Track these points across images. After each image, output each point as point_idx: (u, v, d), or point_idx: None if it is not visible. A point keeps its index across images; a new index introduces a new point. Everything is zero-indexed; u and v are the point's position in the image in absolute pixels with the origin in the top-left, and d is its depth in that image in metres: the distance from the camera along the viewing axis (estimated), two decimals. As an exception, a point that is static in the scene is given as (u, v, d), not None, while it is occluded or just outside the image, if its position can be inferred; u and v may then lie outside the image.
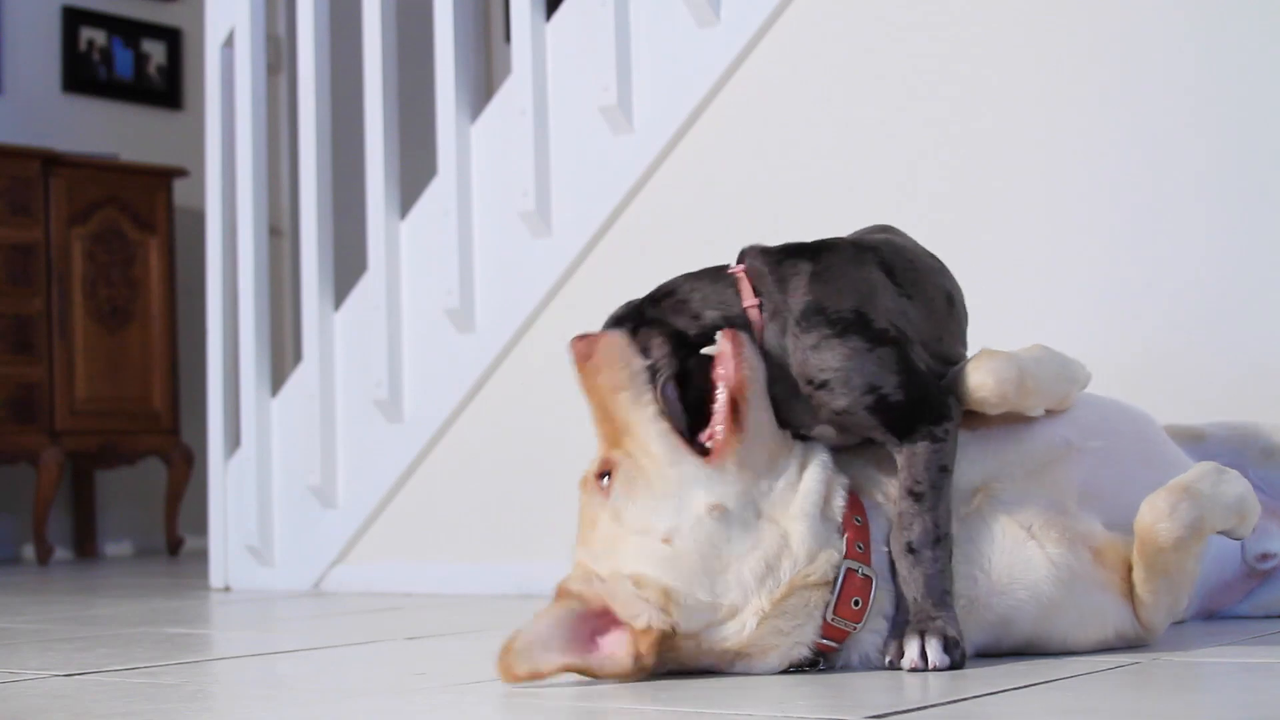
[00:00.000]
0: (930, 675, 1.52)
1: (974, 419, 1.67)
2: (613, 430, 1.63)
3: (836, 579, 1.56)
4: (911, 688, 1.45)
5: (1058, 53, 2.46)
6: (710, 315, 1.62)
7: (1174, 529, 1.61)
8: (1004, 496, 1.65)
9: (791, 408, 1.62)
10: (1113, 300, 2.40)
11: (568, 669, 1.55)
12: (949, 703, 1.37)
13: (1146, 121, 2.38)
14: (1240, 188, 2.30)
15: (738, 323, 1.61)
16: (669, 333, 1.62)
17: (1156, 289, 2.36)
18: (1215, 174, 2.32)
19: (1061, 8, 2.47)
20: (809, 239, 1.73)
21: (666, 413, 1.60)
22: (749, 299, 1.63)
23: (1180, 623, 1.87)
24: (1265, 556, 1.98)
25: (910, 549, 1.56)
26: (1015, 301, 2.48)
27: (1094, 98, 2.43)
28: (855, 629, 1.58)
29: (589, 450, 2.98)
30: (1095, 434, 1.73)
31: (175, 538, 5.83)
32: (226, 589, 3.53)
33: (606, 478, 1.62)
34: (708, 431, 1.60)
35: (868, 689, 1.46)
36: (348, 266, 3.64)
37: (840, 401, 1.58)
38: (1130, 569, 1.66)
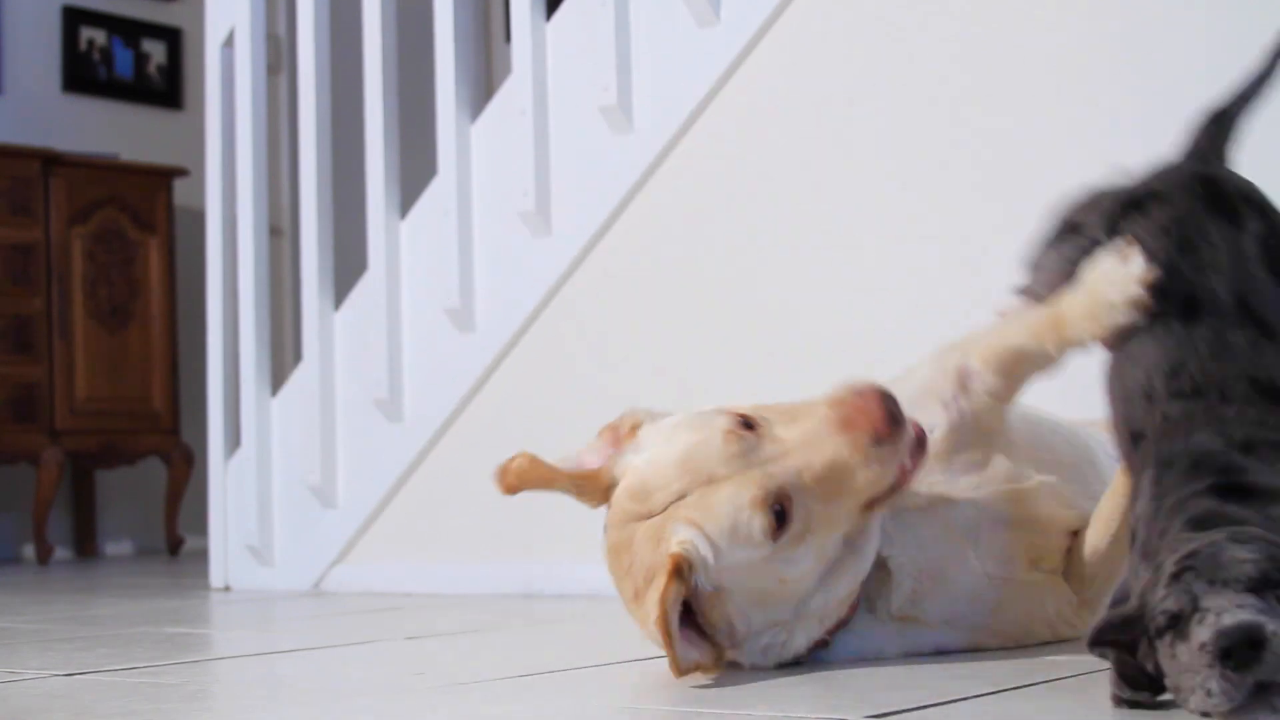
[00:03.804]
0: (929, 674, 1.53)
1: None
2: None
3: None
4: (912, 687, 1.45)
5: (1059, 52, 2.46)
6: None
7: None
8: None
9: None
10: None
11: None
12: (949, 702, 1.37)
13: (1152, 119, 2.37)
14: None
15: None
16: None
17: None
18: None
19: (1064, 6, 2.46)
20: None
21: None
22: None
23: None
24: None
25: None
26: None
27: (1102, 96, 2.42)
28: None
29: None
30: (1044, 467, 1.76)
31: (175, 538, 5.83)
32: (226, 589, 3.53)
33: None
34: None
35: (868, 688, 1.46)
36: (348, 266, 3.63)
37: None
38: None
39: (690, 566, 1.50)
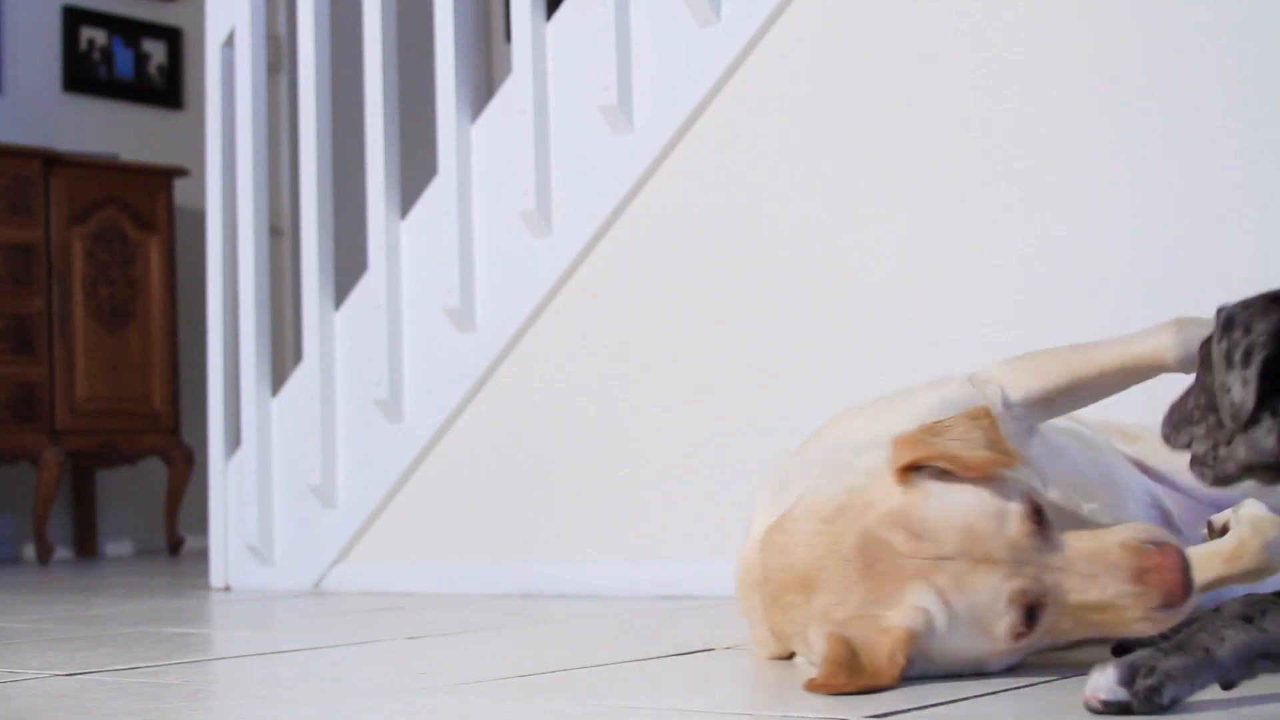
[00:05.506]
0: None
1: None
2: None
3: None
4: (912, 687, 1.45)
5: (1067, 49, 2.46)
6: None
7: None
8: None
9: None
10: (1150, 297, 2.39)
11: None
12: (949, 702, 1.36)
13: (1162, 116, 2.37)
14: (1274, 181, 2.27)
15: None
16: None
17: (1187, 286, 2.35)
18: (1245, 166, 2.31)
19: (1069, 2, 2.46)
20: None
21: None
22: None
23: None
24: None
25: None
26: (1038, 299, 2.48)
27: (1111, 94, 2.42)
28: None
29: (588, 449, 2.98)
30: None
31: (175, 537, 5.83)
32: (226, 589, 3.53)
33: None
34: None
35: (868, 689, 1.46)
36: (348, 266, 3.64)
37: None
38: None
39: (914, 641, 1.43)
